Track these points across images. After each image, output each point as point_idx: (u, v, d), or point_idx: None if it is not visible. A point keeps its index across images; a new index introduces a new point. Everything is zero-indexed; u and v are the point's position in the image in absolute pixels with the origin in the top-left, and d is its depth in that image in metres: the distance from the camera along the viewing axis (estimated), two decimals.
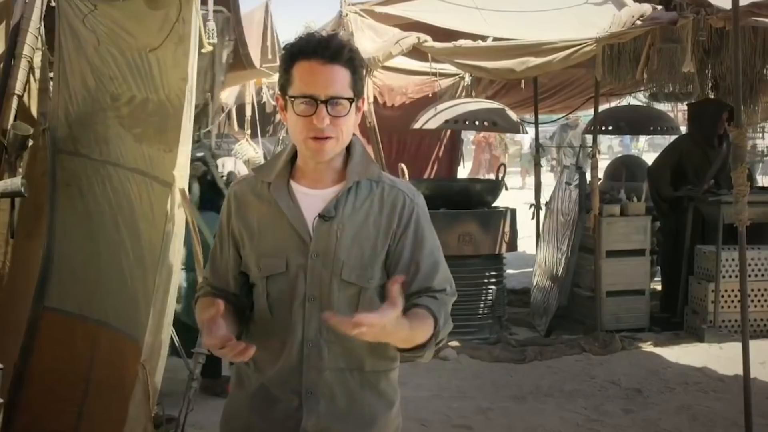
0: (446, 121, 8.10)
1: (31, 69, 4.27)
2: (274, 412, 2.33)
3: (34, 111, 4.40)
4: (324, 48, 2.20)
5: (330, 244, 2.26)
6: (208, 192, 6.08)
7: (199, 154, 6.13)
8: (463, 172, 16.61)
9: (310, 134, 2.21)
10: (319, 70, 2.19)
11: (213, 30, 4.36)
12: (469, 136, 23.66)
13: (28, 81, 4.29)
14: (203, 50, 3.53)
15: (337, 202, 2.28)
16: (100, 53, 3.95)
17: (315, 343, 2.28)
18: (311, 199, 2.30)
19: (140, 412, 3.33)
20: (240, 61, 6.54)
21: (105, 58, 3.95)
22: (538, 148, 10.25)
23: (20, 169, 4.25)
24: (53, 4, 4.20)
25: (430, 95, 9.51)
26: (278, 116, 13.68)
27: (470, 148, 24.42)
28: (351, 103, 2.24)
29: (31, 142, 4.29)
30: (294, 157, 2.36)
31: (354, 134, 2.36)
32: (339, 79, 2.21)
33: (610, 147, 28.49)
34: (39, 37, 4.26)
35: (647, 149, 24.59)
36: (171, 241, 3.38)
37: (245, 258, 2.36)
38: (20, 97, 4.21)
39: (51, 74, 4.43)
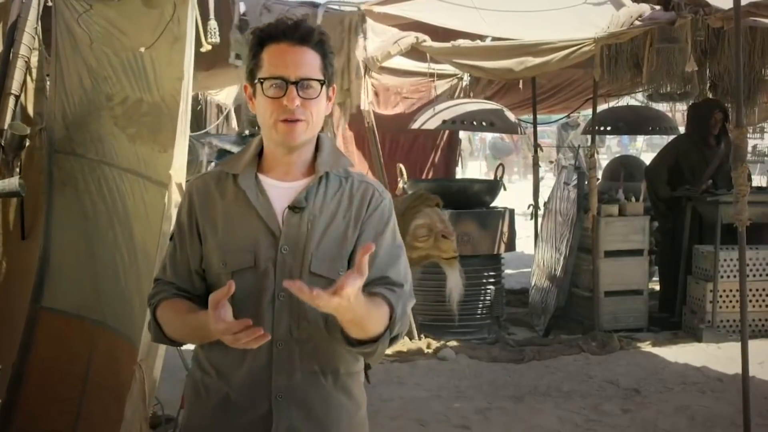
0: (444, 122, 8.11)
1: (28, 69, 4.27)
2: (240, 423, 2.19)
3: (30, 111, 4.41)
4: (293, 31, 2.15)
5: (300, 237, 2.17)
6: None
7: None
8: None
9: (281, 117, 2.14)
10: (288, 52, 2.15)
11: (215, 29, 4.33)
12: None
13: (25, 81, 4.29)
14: (202, 49, 3.51)
15: (308, 194, 2.20)
16: (95, 53, 3.95)
17: (286, 343, 2.17)
18: (280, 191, 2.22)
19: (136, 412, 3.32)
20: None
21: (100, 58, 3.95)
22: (536, 149, 10.25)
23: (17, 169, 4.26)
24: (50, 4, 4.21)
25: (426, 96, 9.51)
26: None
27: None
28: (322, 85, 2.18)
29: (28, 142, 4.29)
30: (262, 150, 2.28)
31: (322, 131, 2.31)
32: (309, 60, 2.16)
33: (609, 147, 28.48)
34: (36, 37, 4.26)
35: (645, 149, 24.59)
36: (167, 241, 3.37)
37: (207, 254, 2.23)
38: (17, 97, 4.21)
39: (47, 74, 4.44)
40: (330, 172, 2.24)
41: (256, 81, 2.17)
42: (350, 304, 1.91)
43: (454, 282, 5.15)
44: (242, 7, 5.93)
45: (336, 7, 6.87)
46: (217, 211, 2.23)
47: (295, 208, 2.18)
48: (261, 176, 2.24)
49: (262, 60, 2.17)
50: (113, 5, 3.69)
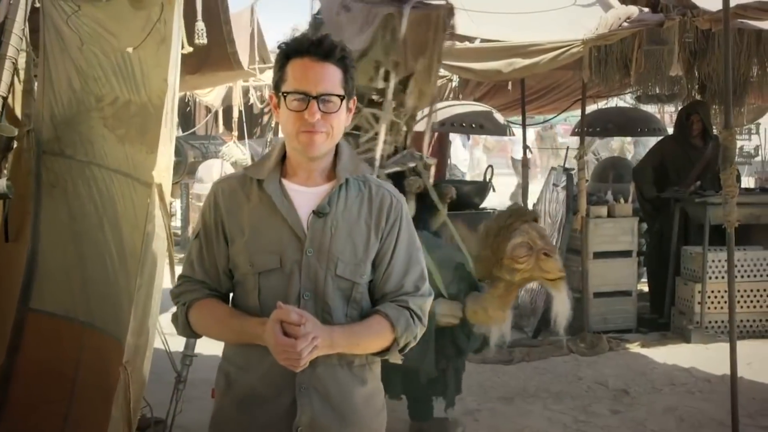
0: (433, 124, 8.10)
1: (15, 70, 4.25)
2: (265, 413, 2.34)
3: (18, 112, 4.38)
4: (317, 47, 2.28)
5: (324, 240, 2.32)
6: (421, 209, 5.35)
7: (411, 164, 5.33)
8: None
9: (302, 128, 2.28)
10: (311, 67, 2.28)
11: (203, 30, 4.32)
12: None
13: (12, 82, 4.26)
14: (183, 51, 3.51)
15: (330, 199, 2.35)
16: (85, 54, 3.94)
17: None
18: (303, 196, 2.36)
19: (121, 414, 3.32)
20: (228, 60, 6.51)
21: (89, 59, 3.94)
22: (525, 150, 10.26)
23: (5, 171, 4.23)
24: (38, 5, 4.19)
25: None
26: (266, 118, 13.68)
27: None
28: (342, 100, 2.31)
29: (15, 144, 4.27)
30: (285, 155, 2.41)
31: (342, 138, 2.42)
32: (330, 76, 2.29)
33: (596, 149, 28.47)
34: (23, 39, 4.24)
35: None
36: (152, 241, 3.36)
37: (233, 255, 2.39)
38: (5, 99, 4.19)
39: (35, 75, 4.42)
40: (350, 178, 2.39)
41: (280, 93, 2.31)
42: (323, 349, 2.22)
43: (562, 305, 4.55)
44: (316, 6, 5.62)
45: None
46: (243, 213, 2.37)
47: (319, 213, 2.33)
48: (284, 181, 2.38)
49: (287, 74, 2.30)
50: (101, 6, 3.68)
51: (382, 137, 5.02)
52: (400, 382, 4.84)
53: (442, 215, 5.35)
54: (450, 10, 5.29)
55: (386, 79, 5.04)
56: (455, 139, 17.93)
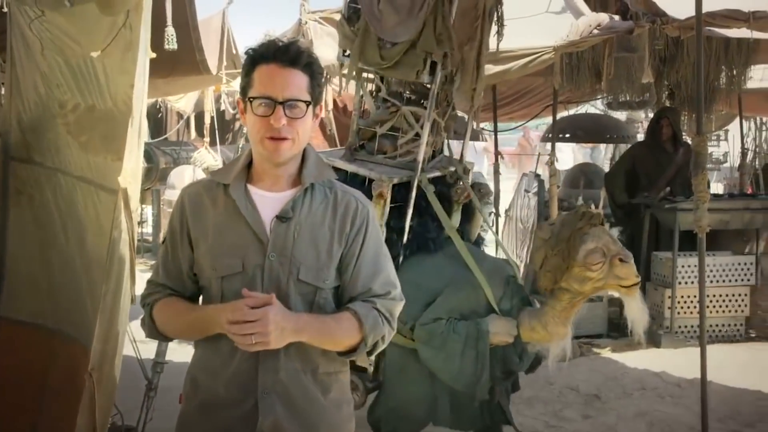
0: None
1: None
2: (227, 417, 2.34)
3: None
4: (283, 53, 2.29)
5: (287, 245, 2.32)
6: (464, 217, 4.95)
7: (452, 168, 4.92)
8: None
9: (267, 134, 2.29)
10: (277, 73, 2.28)
11: (172, 36, 4.29)
12: None
13: None
14: (150, 56, 3.47)
15: (294, 204, 2.35)
16: (47, 60, 3.91)
17: None
18: (268, 201, 2.37)
19: (87, 422, 3.28)
20: (197, 67, 6.48)
21: (51, 65, 3.91)
22: (497, 156, 10.29)
23: None
24: (5, 10, 4.14)
25: None
26: (238, 124, 13.63)
27: None
28: (308, 106, 2.32)
29: None
30: (251, 161, 2.42)
31: (309, 144, 2.44)
32: (297, 82, 2.30)
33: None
34: None
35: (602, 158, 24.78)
36: (118, 247, 3.34)
37: (199, 259, 2.40)
38: None
39: (2, 83, 4.37)
40: (315, 183, 2.40)
41: (247, 99, 2.32)
42: (286, 333, 2.20)
43: (639, 312, 4.21)
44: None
45: None
46: (208, 218, 2.39)
47: (282, 217, 2.34)
48: (250, 186, 2.40)
49: (254, 79, 2.31)
50: (65, 12, 3.64)
51: (425, 138, 4.66)
52: (448, 407, 4.49)
53: (478, 221, 5.02)
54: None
55: (431, 72, 4.66)
56: None
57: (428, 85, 4.73)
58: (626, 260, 4.11)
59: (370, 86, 4.99)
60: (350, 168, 4.68)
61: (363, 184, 4.52)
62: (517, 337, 4.33)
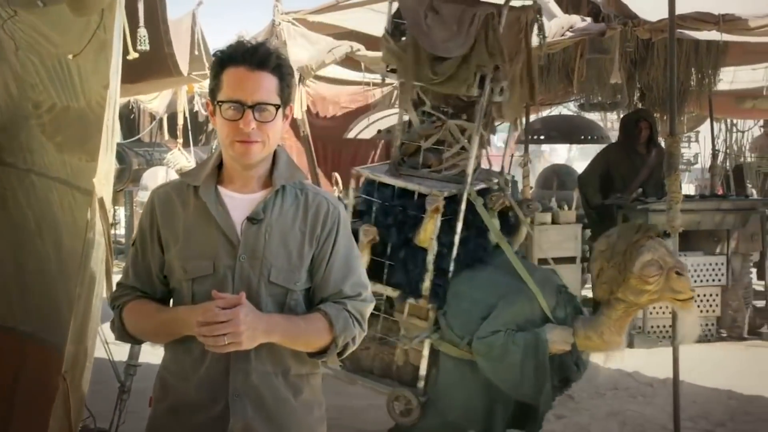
0: (379, 131, 8.12)
1: None
2: (197, 420, 2.31)
3: None
4: (252, 55, 2.26)
5: (258, 247, 2.31)
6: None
7: (495, 180, 4.97)
8: None
9: (237, 138, 2.27)
10: (246, 77, 2.26)
11: (144, 37, 4.27)
12: None
13: None
14: (129, 57, 3.45)
15: (265, 205, 2.34)
16: (21, 60, 3.87)
17: None
18: (238, 203, 2.35)
19: (59, 425, 3.25)
20: (168, 67, 6.44)
21: (25, 66, 3.87)
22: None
23: None
24: None
25: (365, 105, 9.51)
26: (211, 125, 13.57)
27: None
28: (277, 109, 2.30)
29: None
30: (222, 162, 2.40)
31: (279, 145, 2.42)
32: (266, 85, 2.27)
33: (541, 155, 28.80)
34: None
35: (578, 158, 24.92)
36: (92, 249, 3.31)
37: (169, 261, 2.37)
38: None
39: None
40: (286, 184, 2.38)
41: (216, 102, 2.29)
42: (258, 333, 2.18)
43: (691, 327, 4.26)
44: (394, 6, 5.00)
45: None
46: (178, 220, 2.36)
47: (253, 219, 2.32)
48: (220, 188, 2.38)
49: (222, 82, 2.28)
50: (38, 12, 3.61)
51: (474, 150, 4.68)
52: (503, 419, 4.48)
53: (522, 235, 5.06)
54: (538, 11, 5.05)
55: (480, 86, 4.69)
56: None
57: (475, 98, 4.73)
58: (683, 273, 4.12)
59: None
60: (398, 183, 4.67)
61: (411, 199, 4.56)
62: (573, 345, 4.36)
